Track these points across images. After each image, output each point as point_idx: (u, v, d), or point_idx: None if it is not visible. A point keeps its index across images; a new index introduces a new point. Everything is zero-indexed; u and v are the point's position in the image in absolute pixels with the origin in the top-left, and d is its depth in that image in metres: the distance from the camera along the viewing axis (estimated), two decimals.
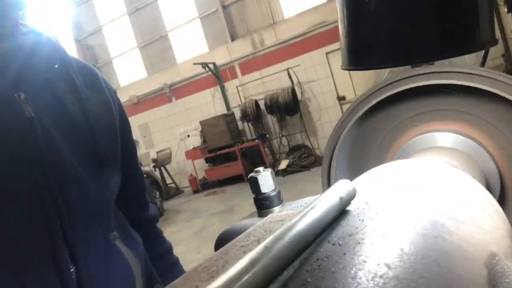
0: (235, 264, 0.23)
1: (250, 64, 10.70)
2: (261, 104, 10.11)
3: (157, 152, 11.03)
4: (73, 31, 13.18)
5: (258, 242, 0.34)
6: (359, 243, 0.30)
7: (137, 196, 1.01)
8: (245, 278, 0.22)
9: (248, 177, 0.69)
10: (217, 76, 10.88)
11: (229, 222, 5.63)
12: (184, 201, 9.91)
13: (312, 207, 0.32)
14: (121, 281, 0.77)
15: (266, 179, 0.67)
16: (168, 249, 1.08)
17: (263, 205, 0.64)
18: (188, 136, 11.46)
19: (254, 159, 10.30)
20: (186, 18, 11.50)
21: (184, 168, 11.78)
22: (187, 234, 6.48)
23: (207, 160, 10.69)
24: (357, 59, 0.47)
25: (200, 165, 10.96)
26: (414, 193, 0.41)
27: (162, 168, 10.96)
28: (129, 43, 12.59)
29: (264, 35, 10.49)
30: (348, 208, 0.37)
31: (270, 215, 0.47)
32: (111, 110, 0.85)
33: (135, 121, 12.54)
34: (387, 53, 0.42)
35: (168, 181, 11.16)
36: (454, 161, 0.65)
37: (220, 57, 10.93)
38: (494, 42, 0.58)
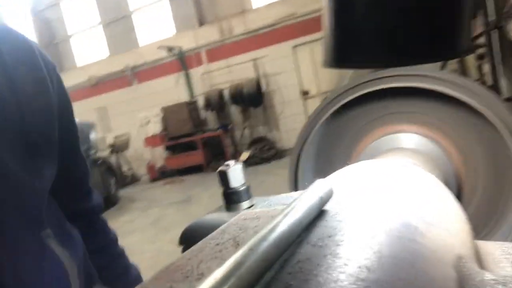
0: (211, 263, 0.22)
1: (217, 52, 10.56)
2: (226, 93, 10.03)
3: (115, 137, 10.66)
4: (30, 1, 12.32)
5: (234, 241, 0.33)
6: (338, 245, 0.30)
7: (78, 185, 0.91)
8: (232, 281, 0.20)
9: (218, 170, 0.68)
10: (182, 61, 10.64)
11: (186, 213, 5.55)
12: (141, 189, 9.68)
13: (293, 207, 0.31)
14: (54, 286, 0.69)
15: (236, 173, 0.65)
16: (112, 240, 1.00)
17: (232, 199, 0.62)
18: (149, 122, 11.16)
19: (215, 149, 10.23)
20: None
21: (142, 155, 11.48)
22: (142, 224, 6.33)
23: (167, 148, 10.49)
24: (343, 56, 0.46)
25: (159, 153, 10.73)
26: (386, 194, 0.42)
27: (119, 154, 10.61)
28: (91, 20, 11.98)
29: (233, 23, 10.37)
30: (324, 208, 0.37)
31: (243, 212, 0.46)
32: (47, 89, 0.74)
33: (93, 103, 12.01)
34: (375, 53, 0.42)
35: (125, 168, 10.84)
36: (417, 162, 0.67)
37: (187, 42, 10.69)
38: (473, 49, 0.60)
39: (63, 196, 0.82)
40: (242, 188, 0.63)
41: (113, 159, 9.96)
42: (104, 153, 9.82)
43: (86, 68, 12.01)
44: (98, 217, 0.98)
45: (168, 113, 9.85)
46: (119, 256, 0.99)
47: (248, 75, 10.02)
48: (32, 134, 0.68)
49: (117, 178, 8.88)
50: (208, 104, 9.96)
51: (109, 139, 10.75)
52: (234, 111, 10.42)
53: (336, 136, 0.93)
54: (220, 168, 0.66)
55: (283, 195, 0.53)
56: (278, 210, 0.39)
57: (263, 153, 9.31)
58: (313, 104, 9.85)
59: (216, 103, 9.89)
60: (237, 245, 0.33)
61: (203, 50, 10.67)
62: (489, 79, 3.86)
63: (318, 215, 0.34)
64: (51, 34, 12.52)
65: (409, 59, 0.42)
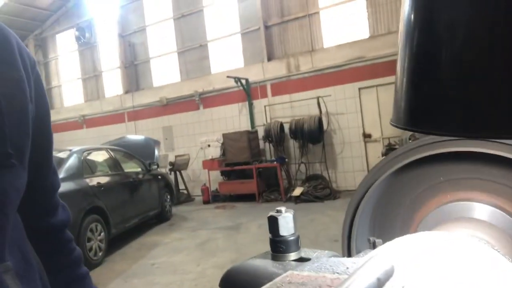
0: None
1: (281, 86, 10.77)
2: (286, 127, 10.09)
3: (176, 156, 11.12)
4: (118, 26, 13.65)
5: None
6: None
7: (46, 199, 0.82)
8: None
9: (268, 215, 0.66)
10: (247, 92, 10.97)
11: (233, 240, 5.54)
12: (193, 209, 9.89)
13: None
14: None
15: (287, 221, 0.63)
16: (76, 260, 0.88)
17: (279, 248, 0.60)
18: (209, 145, 11.53)
19: (269, 180, 10.22)
20: (227, 31, 11.75)
21: (199, 176, 11.81)
22: (190, 244, 6.42)
23: (223, 173, 10.69)
24: (414, 120, 0.43)
25: (215, 177, 10.96)
26: (455, 284, 0.38)
27: (178, 173, 11.01)
28: (169, 47, 12.93)
29: (300, 60, 10.56)
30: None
31: (289, 272, 0.43)
32: (22, 90, 0.64)
33: (161, 123, 12.74)
34: (455, 123, 0.39)
35: (181, 186, 11.20)
36: (492, 239, 0.60)
37: (254, 75, 11.05)
38: None
39: (27, 211, 0.73)
40: (291, 238, 0.60)
41: (171, 177, 10.35)
42: (164, 169, 10.28)
43: (160, 89, 12.86)
44: (63, 234, 0.87)
45: (228, 139, 10.11)
46: (81, 278, 0.88)
47: (310, 111, 10.04)
48: (1, 143, 0.60)
49: (172, 195, 9.18)
50: (268, 136, 10.08)
51: (171, 158, 11.25)
52: (293, 145, 10.42)
53: (398, 194, 0.88)
54: (271, 213, 0.64)
55: (334, 259, 0.50)
56: (327, 279, 0.36)
57: (317, 191, 9.10)
58: (374, 148, 9.53)
59: (276, 135, 9.97)
60: None
61: (269, 83, 10.94)
62: None
63: None
64: (134, 55, 13.67)
65: (491, 133, 0.38)
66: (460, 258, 0.44)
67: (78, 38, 14.41)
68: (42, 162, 0.77)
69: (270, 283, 0.39)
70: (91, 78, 14.87)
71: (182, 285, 4.61)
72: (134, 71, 13.71)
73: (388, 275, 0.33)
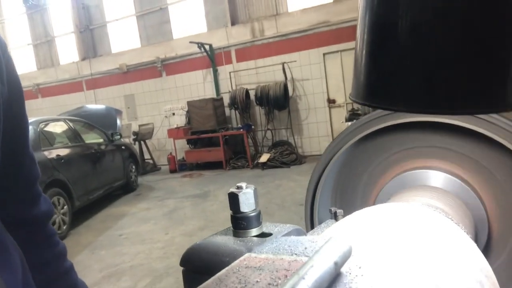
0: None
1: (246, 52, 10.57)
2: (252, 94, 10.02)
3: (140, 126, 10.84)
4: None
5: None
6: None
7: (26, 189, 0.78)
8: None
9: (229, 192, 0.64)
10: (211, 58, 10.71)
11: (201, 208, 5.57)
12: (160, 179, 9.80)
13: (303, 277, 0.28)
14: None
15: (247, 197, 0.62)
16: (60, 254, 0.85)
17: (240, 225, 0.59)
18: (174, 114, 11.29)
19: (236, 147, 10.24)
20: None
21: (165, 146, 11.63)
22: (157, 213, 6.41)
23: (189, 141, 10.58)
24: (374, 95, 0.42)
25: (181, 146, 10.84)
26: (404, 258, 0.38)
27: (142, 143, 10.78)
28: (127, 10, 12.22)
29: (265, 25, 10.35)
30: (341, 270, 0.33)
31: (246, 255, 0.42)
32: None
33: (122, 91, 12.25)
34: (414, 98, 0.38)
35: (146, 156, 11.01)
36: (446, 207, 0.62)
37: (218, 40, 10.75)
38: None
39: (6, 200, 0.71)
40: (252, 214, 0.59)
41: (135, 147, 10.13)
42: (128, 139, 10.02)
43: (119, 55, 12.26)
44: (45, 227, 0.84)
45: (193, 107, 9.93)
46: (66, 272, 0.85)
47: (275, 78, 9.98)
48: None
49: (138, 166, 9.02)
50: (233, 103, 9.98)
51: (134, 127, 10.95)
52: (259, 112, 10.40)
53: (359, 165, 0.89)
54: (231, 190, 0.63)
55: (293, 238, 0.49)
56: (285, 262, 0.35)
57: (283, 157, 9.24)
58: (338, 113, 9.71)
59: (242, 102, 9.89)
60: None
61: (233, 48, 10.70)
62: None
63: (332, 280, 0.31)
64: (88, 18, 12.85)
65: (453, 109, 0.38)
66: (415, 231, 0.44)
67: (25, 0, 13.29)
68: (17, 149, 0.72)
69: (227, 268, 0.38)
70: (43, 44, 13.89)
71: (150, 254, 4.63)
72: (90, 36, 12.92)
73: (346, 257, 0.33)
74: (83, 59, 12.91)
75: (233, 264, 0.39)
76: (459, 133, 0.76)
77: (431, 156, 0.80)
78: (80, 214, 6.49)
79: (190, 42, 10.37)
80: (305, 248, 0.39)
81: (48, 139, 6.20)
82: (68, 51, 13.36)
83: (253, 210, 0.59)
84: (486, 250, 0.74)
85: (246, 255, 0.42)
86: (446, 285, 0.36)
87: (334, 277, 0.31)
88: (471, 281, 0.39)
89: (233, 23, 10.73)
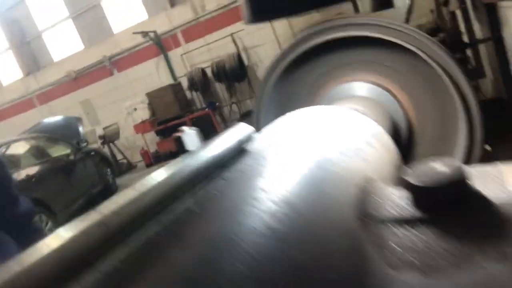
0: None
1: (193, 31, 10.38)
2: (208, 72, 9.94)
3: (104, 128, 10.60)
4: None
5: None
6: (250, 179, 0.36)
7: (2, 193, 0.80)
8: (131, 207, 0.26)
9: (173, 136, 0.72)
10: (159, 45, 10.46)
11: None
12: (138, 175, 9.73)
13: (206, 148, 0.37)
14: None
15: (191, 138, 0.70)
16: None
17: None
18: (135, 109, 11.07)
19: (206, 128, 10.23)
20: None
21: (135, 142, 11.46)
22: None
23: (158, 132, 10.46)
24: (257, 13, 0.50)
25: (151, 138, 10.72)
26: (313, 133, 0.48)
27: (111, 144, 10.59)
28: (60, 14, 11.64)
29: (205, 0, 10.14)
30: (248, 148, 0.42)
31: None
32: None
33: (76, 98, 11.85)
34: (282, 6, 0.47)
35: (119, 157, 10.85)
36: (363, 107, 0.72)
37: (161, 25, 10.47)
38: None
39: None
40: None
41: (106, 150, 9.95)
42: (96, 145, 9.81)
43: (63, 63, 11.77)
44: (31, 223, 0.88)
45: (154, 98, 9.78)
46: None
47: (228, 50, 9.90)
48: None
49: (112, 167, 8.91)
50: (192, 84, 9.89)
51: (99, 131, 10.70)
52: (219, 88, 10.36)
53: (294, 88, 0.98)
54: (175, 134, 0.70)
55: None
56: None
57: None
58: None
59: (200, 82, 9.81)
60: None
61: (179, 30, 10.48)
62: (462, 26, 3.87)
63: (237, 154, 0.40)
64: (21, 33, 12.17)
65: (307, 7, 0.46)
66: (322, 118, 0.54)
67: None
68: None
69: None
70: None
71: None
72: (28, 49, 12.29)
73: (248, 137, 0.42)
74: (27, 74, 12.32)
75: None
76: (381, 46, 0.86)
77: (354, 71, 0.91)
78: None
79: (134, 33, 10.06)
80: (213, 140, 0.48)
81: (13, 162, 6.02)
82: (9, 69, 12.68)
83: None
84: (410, 141, 0.86)
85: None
86: (337, 143, 0.46)
87: (237, 150, 0.40)
88: (360, 141, 0.49)
89: (172, 5, 10.45)
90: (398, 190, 0.38)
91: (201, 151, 0.36)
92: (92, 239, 0.25)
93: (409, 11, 1.64)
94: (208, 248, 0.27)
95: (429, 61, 0.77)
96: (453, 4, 3.60)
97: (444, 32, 3.17)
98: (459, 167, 0.33)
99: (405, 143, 0.84)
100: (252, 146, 0.43)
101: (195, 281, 0.25)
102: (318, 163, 0.39)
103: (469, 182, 0.33)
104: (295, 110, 1.01)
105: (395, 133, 0.76)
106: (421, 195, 0.34)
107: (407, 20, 1.61)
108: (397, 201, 0.35)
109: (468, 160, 0.79)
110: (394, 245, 0.30)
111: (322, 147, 0.43)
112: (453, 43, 2.55)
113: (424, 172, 0.33)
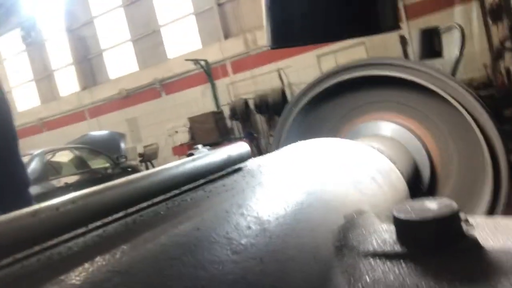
0: None
1: (241, 63, 10.73)
2: (251, 103, 10.14)
3: (144, 147, 10.98)
4: (65, 21, 13.05)
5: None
6: (234, 196, 0.34)
7: (18, 194, 0.81)
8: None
9: (187, 153, 0.73)
10: (208, 73, 10.88)
11: None
12: None
13: (197, 159, 0.36)
14: None
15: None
16: None
17: None
18: (176, 132, 11.43)
19: None
20: (180, 13, 11.49)
21: None
22: None
23: None
24: (279, 39, 0.51)
25: None
26: (314, 161, 0.46)
27: (149, 163, 10.90)
28: (122, 36, 12.52)
29: (257, 35, 10.51)
30: (241, 166, 0.41)
31: None
32: None
33: (124, 115, 12.47)
34: (304, 32, 0.47)
35: None
36: (381, 145, 0.69)
37: (213, 55, 10.93)
38: (397, 27, 0.62)
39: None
40: None
41: (143, 168, 10.24)
42: (134, 162, 10.14)
43: (117, 81, 12.51)
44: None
45: (195, 123, 10.07)
46: None
47: (273, 84, 10.10)
48: None
49: None
50: (234, 114, 10.10)
51: (139, 149, 11.09)
52: (259, 119, 10.50)
53: (317, 125, 0.96)
54: (189, 151, 0.71)
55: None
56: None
57: None
58: None
59: (242, 112, 10.01)
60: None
61: (229, 61, 10.87)
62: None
63: (233, 171, 0.38)
64: (85, 49, 13.17)
65: (333, 37, 0.46)
66: (328, 149, 0.52)
67: (24, 38, 13.67)
68: (7, 156, 0.77)
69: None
70: (44, 79, 14.24)
71: None
72: (89, 65, 13.24)
73: (244, 156, 0.41)
74: (84, 88, 13.19)
75: None
76: (398, 86, 0.84)
77: (383, 110, 0.88)
78: None
79: (186, 60, 10.56)
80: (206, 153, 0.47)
81: (55, 169, 6.35)
82: (68, 82, 13.66)
83: None
84: (432, 186, 0.81)
85: None
86: (337, 173, 0.43)
87: (227, 166, 0.38)
88: (363, 175, 0.46)
89: (226, 37, 10.93)
90: (387, 225, 0.35)
91: (190, 162, 0.35)
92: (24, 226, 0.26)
93: (457, 62, 1.60)
94: (161, 252, 0.26)
95: (460, 108, 0.74)
96: (508, 60, 3.48)
97: (496, 87, 3.05)
98: (449, 205, 0.30)
99: (426, 188, 0.79)
100: (246, 165, 0.41)
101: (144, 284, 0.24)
102: (308, 189, 0.37)
103: (460, 222, 0.30)
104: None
105: (415, 176, 0.73)
106: (403, 228, 0.31)
107: (453, 71, 1.57)
108: (382, 234, 0.33)
109: (490, 214, 0.73)
110: (367, 278, 0.27)
111: (318, 175, 0.41)
112: (503, 99, 2.44)
113: (413, 207, 0.31)
